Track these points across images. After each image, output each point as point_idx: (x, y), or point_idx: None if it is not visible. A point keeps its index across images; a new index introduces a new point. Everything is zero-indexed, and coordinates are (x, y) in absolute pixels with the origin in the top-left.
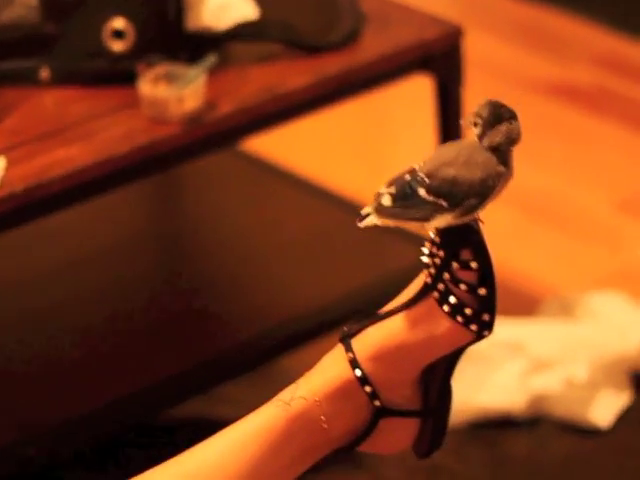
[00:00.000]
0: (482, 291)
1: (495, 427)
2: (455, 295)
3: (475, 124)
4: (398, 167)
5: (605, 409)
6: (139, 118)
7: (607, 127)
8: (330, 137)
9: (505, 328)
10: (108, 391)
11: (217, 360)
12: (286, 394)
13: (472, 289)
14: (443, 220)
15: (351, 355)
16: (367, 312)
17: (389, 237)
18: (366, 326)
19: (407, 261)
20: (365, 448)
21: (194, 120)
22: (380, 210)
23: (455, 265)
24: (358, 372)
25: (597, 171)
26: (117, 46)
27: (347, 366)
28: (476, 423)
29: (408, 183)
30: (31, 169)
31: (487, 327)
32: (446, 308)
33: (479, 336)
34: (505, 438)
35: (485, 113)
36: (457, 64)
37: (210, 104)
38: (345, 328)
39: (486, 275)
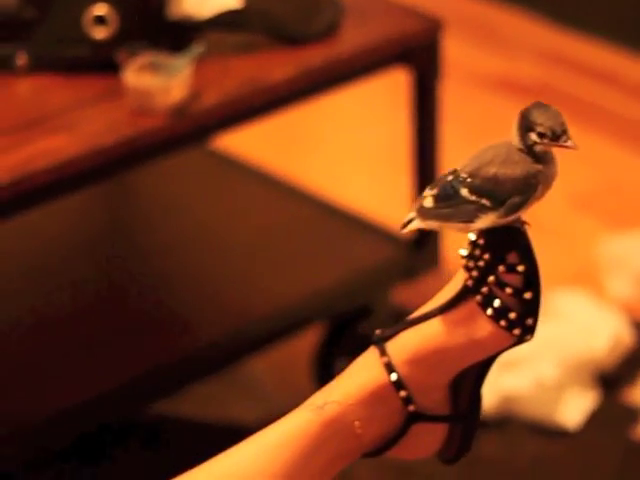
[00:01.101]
0: (528, 295)
1: None
2: (500, 298)
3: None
4: (370, 163)
5: (573, 410)
6: (123, 108)
7: None
8: (299, 134)
9: None
10: (76, 392)
11: (184, 360)
12: (319, 398)
13: (517, 293)
14: (487, 220)
15: (386, 359)
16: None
17: (358, 233)
18: (401, 330)
19: (376, 257)
20: (394, 453)
21: (179, 111)
22: (423, 212)
23: (501, 268)
24: (394, 376)
25: None
26: (99, 33)
27: (382, 370)
28: None
29: (450, 183)
30: (15, 160)
31: (530, 331)
32: (490, 312)
33: (520, 340)
34: (475, 439)
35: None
36: (435, 58)
37: (194, 95)
38: (378, 331)
39: (532, 278)
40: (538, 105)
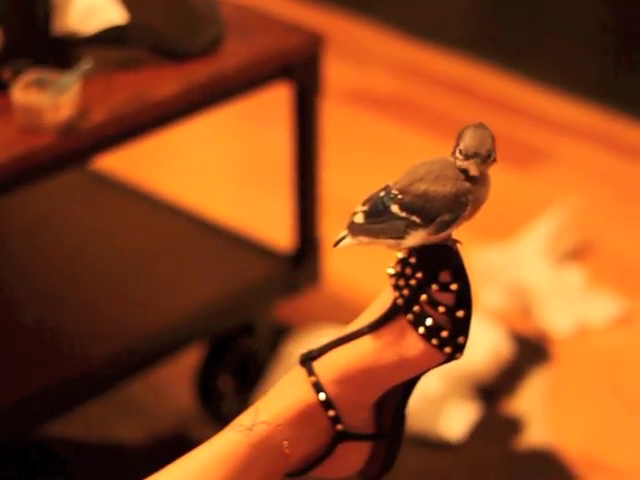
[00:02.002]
0: (460, 313)
1: None
2: (432, 317)
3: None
4: (248, 179)
5: (455, 423)
6: (11, 126)
7: (408, 134)
8: (174, 151)
9: None
10: None
11: (65, 383)
12: (246, 418)
13: (450, 311)
14: (417, 237)
15: (314, 378)
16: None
17: (237, 250)
18: (329, 349)
19: (256, 273)
20: (318, 473)
21: (68, 129)
22: (353, 228)
23: (434, 287)
24: (322, 396)
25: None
26: None
27: (310, 390)
28: None
29: (381, 199)
30: None
31: (460, 349)
32: (421, 330)
33: (451, 358)
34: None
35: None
36: (317, 73)
37: (82, 112)
38: (304, 351)
39: (464, 297)
40: (476, 125)
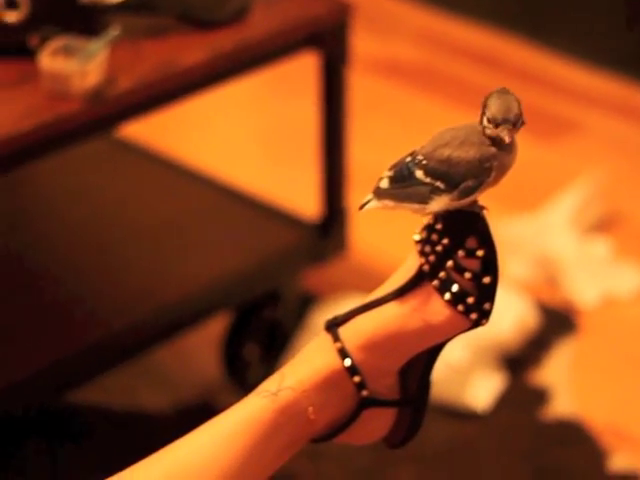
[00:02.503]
0: (486, 279)
1: None
2: (458, 283)
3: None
4: (275, 148)
5: (482, 393)
6: (39, 93)
7: (434, 104)
8: (201, 119)
9: None
10: None
11: (92, 350)
12: (272, 384)
13: (476, 277)
14: (441, 203)
15: (340, 344)
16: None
17: (264, 219)
18: (354, 315)
19: (283, 242)
20: (342, 439)
21: (96, 96)
22: (379, 193)
23: (461, 253)
24: (348, 362)
25: None
26: (10, 17)
27: (335, 356)
28: None
29: (406, 165)
30: None
31: (486, 316)
32: (447, 296)
33: (476, 325)
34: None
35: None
36: (344, 41)
37: (109, 79)
38: (331, 317)
39: (490, 263)
40: (499, 91)
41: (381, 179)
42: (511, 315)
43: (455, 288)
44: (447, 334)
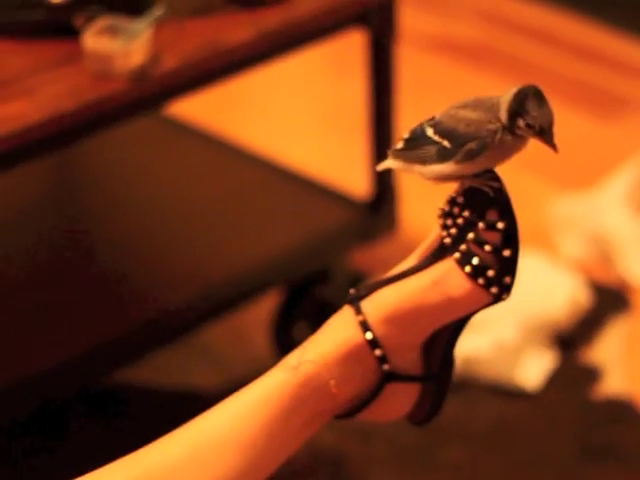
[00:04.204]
0: (507, 252)
1: None
2: (478, 256)
3: None
4: (324, 126)
5: (532, 371)
6: (83, 73)
7: (490, 83)
8: (250, 98)
9: None
10: (33, 363)
11: (142, 328)
12: (293, 358)
13: (496, 250)
14: (448, 167)
15: (361, 317)
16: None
17: (314, 197)
18: (376, 288)
19: (333, 221)
20: (366, 415)
21: (140, 75)
22: (394, 153)
23: (481, 225)
24: (369, 335)
25: None
26: None
27: (357, 329)
28: None
29: (421, 125)
30: None
31: (507, 290)
32: (468, 269)
33: (497, 299)
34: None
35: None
36: (392, 19)
37: (154, 59)
38: (352, 291)
39: (511, 236)
40: (535, 95)
41: (399, 140)
42: (563, 293)
43: (476, 261)
44: (468, 308)
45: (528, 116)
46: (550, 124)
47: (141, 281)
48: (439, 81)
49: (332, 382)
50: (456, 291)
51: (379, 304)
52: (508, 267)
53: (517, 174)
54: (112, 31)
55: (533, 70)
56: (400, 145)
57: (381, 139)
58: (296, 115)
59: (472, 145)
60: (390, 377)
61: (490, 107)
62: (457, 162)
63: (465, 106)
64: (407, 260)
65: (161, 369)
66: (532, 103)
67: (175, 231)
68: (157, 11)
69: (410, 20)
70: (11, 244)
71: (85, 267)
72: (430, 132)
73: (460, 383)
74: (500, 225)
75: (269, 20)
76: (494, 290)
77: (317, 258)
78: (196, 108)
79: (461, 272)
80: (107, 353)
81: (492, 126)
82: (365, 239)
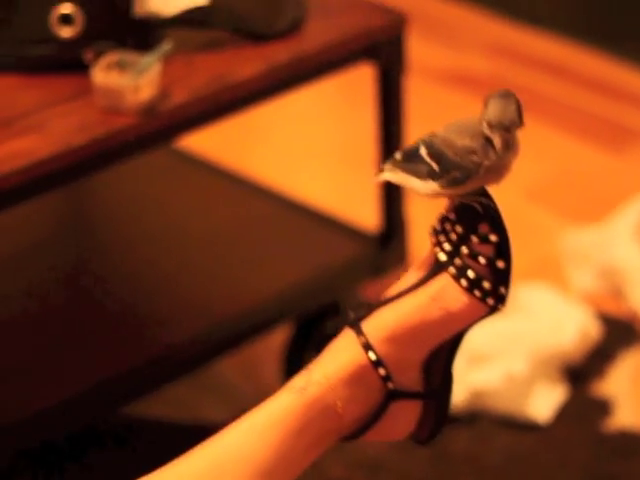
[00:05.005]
0: (500, 264)
1: None
2: (473, 269)
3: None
4: (333, 160)
5: (543, 404)
6: (92, 108)
7: None
8: (260, 131)
9: None
10: (44, 396)
11: (153, 363)
12: (299, 380)
13: (490, 262)
14: (432, 187)
15: (363, 339)
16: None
17: (323, 231)
18: (375, 309)
19: (343, 254)
20: (371, 436)
21: (150, 110)
22: (391, 163)
23: (474, 239)
24: (372, 355)
25: None
26: (65, 32)
27: (360, 350)
28: None
29: (419, 141)
30: None
31: (502, 300)
32: (464, 283)
33: (493, 310)
34: (445, 434)
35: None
36: (401, 52)
37: (163, 93)
38: (351, 314)
39: (504, 248)
40: (500, 93)
41: (397, 152)
42: (573, 326)
43: (471, 274)
44: (466, 321)
45: (485, 113)
46: (500, 119)
47: (152, 314)
48: (449, 113)
49: (338, 403)
50: (454, 305)
51: (379, 324)
52: (502, 278)
53: (528, 206)
54: (121, 66)
55: (544, 102)
56: (398, 157)
57: None
58: (306, 147)
59: (456, 174)
60: (394, 395)
61: (478, 132)
62: (442, 186)
63: (458, 129)
64: (402, 280)
65: (171, 402)
66: (492, 101)
67: (186, 264)
68: (166, 46)
69: (420, 52)
70: (21, 277)
71: (96, 300)
72: (423, 152)
73: (470, 416)
74: (493, 238)
75: (278, 54)
76: (490, 301)
77: (327, 292)
78: (206, 140)
79: (458, 286)
80: (118, 387)
81: (477, 158)
82: (375, 273)
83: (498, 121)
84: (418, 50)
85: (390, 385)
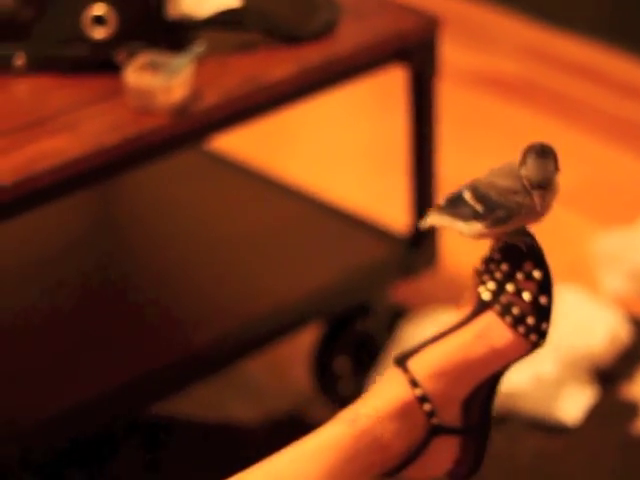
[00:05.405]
0: (543, 300)
1: None
2: (518, 306)
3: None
4: (365, 162)
5: (572, 406)
6: (124, 108)
7: (533, 119)
8: (292, 133)
9: None
10: (73, 394)
11: (181, 362)
12: (349, 413)
13: (534, 299)
14: (477, 228)
15: (410, 375)
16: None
17: (354, 232)
18: (422, 348)
19: (373, 255)
20: (411, 472)
21: (181, 111)
22: (436, 210)
23: (519, 276)
24: (418, 391)
25: None
26: (98, 33)
27: (407, 386)
28: None
29: (461, 187)
30: (18, 161)
31: (543, 336)
32: (509, 319)
33: (535, 346)
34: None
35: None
36: (433, 55)
37: (195, 94)
38: (397, 354)
39: (547, 284)
40: (539, 151)
41: (442, 199)
42: (603, 328)
43: (516, 310)
44: (509, 358)
45: (525, 169)
46: (539, 181)
47: (181, 315)
48: (481, 117)
49: (385, 435)
50: (499, 341)
51: (426, 361)
52: (545, 314)
53: (559, 210)
54: (154, 67)
55: (576, 106)
56: (443, 203)
57: (422, 174)
58: (337, 149)
59: (500, 213)
60: (437, 430)
61: (518, 175)
62: (486, 226)
63: (500, 172)
64: (446, 322)
65: (200, 402)
66: (531, 158)
67: (216, 264)
68: (198, 47)
69: (452, 55)
70: (53, 277)
71: (126, 300)
72: (467, 196)
73: (500, 417)
74: (537, 274)
75: (310, 56)
76: (533, 337)
77: (357, 293)
78: (237, 142)
79: (502, 323)
80: (147, 386)
81: (519, 198)
82: (405, 274)
83: (537, 182)
84: (450, 53)
85: (434, 420)
